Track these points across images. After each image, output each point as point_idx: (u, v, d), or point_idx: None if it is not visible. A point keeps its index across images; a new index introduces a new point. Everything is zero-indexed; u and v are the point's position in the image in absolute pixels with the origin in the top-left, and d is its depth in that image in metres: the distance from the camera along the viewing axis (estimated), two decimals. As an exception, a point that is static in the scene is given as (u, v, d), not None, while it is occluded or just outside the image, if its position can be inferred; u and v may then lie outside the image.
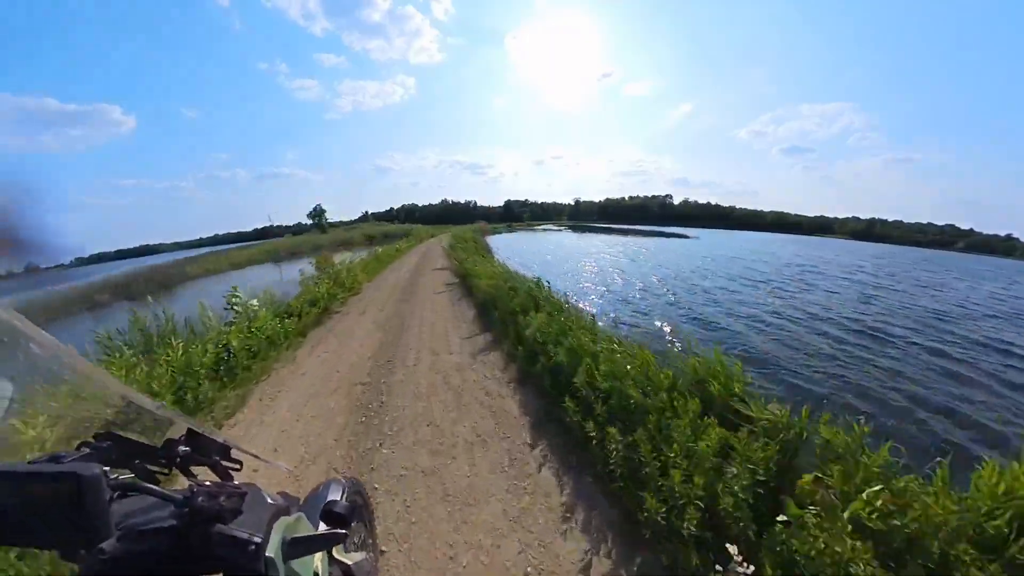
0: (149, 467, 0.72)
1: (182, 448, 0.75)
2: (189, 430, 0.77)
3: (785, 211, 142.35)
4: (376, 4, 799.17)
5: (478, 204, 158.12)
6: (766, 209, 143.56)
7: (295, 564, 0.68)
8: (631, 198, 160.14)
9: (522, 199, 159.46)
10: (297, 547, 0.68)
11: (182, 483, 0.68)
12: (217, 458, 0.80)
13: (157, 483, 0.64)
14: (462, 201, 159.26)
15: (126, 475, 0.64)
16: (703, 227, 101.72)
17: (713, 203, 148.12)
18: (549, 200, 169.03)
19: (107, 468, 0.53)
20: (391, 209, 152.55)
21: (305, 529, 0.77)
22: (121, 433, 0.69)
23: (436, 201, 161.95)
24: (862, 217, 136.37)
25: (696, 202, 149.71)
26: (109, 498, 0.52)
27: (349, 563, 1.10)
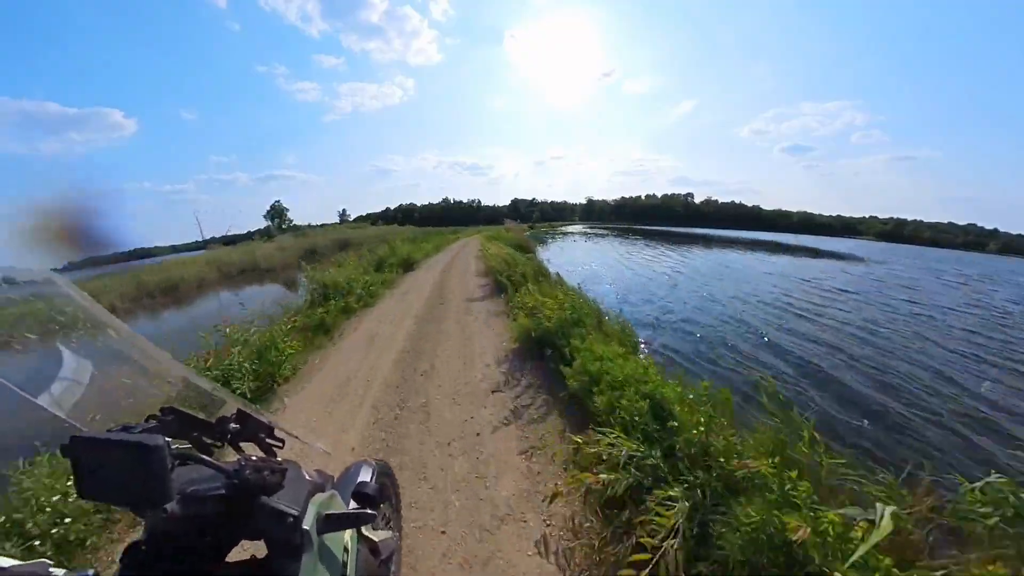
0: (205, 439, 0.84)
1: (232, 425, 0.88)
2: (239, 410, 0.90)
3: (810, 211, 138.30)
4: (374, 5, 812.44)
5: (482, 203, 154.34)
6: (775, 208, 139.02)
7: (327, 538, 0.84)
8: (648, 196, 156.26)
9: (528, 198, 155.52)
10: (330, 523, 0.83)
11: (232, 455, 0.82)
12: (263, 436, 0.91)
13: (211, 455, 0.77)
14: (465, 200, 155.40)
15: (185, 445, 0.79)
16: (729, 228, 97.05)
17: (738, 202, 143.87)
18: (556, 199, 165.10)
19: (169, 439, 0.62)
20: (387, 209, 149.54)
21: (338, 506, 0.93)
22: (182, 408, 0.82)
23: (437, 200, 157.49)
24: (880, 216, 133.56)
25: (717, 201, 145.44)
26: (171, 466, 0.61)
27: (376, 540, 1.25)
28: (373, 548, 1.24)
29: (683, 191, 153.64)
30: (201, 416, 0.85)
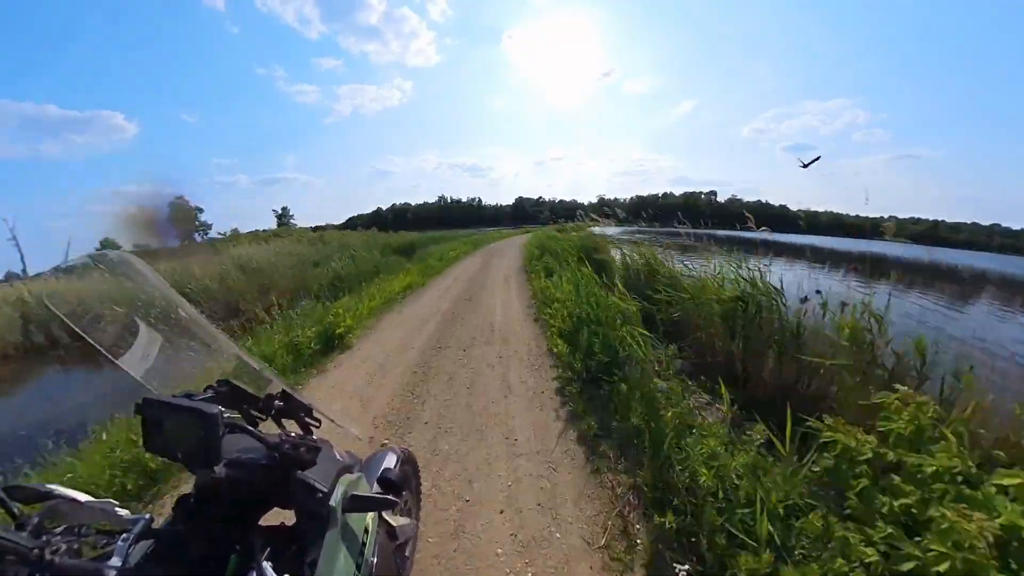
0: (252, 413, 1.02)
1: (277, 403, 1.04)
2: (283, 390, 1.07)
3: (835, 211, 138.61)
4: (372, 7, 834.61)
5: (484, 202, 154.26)
6: (803, 209, 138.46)
7: (351, 517, 0.99)
8: (665, 195, 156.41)
9: (534, 197, 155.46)
10: (355, 503, 0.98)
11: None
12: (302, 415, 1.08)
13: (256, 427, 0.95)
14: (464, 199, 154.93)
15: (235, 415, 0.97)
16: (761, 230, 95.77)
17: (764, 201, 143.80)
18: (559, 198, 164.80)
19: (222, 409, 0.78)
20: (379, 209, 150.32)
21: (363, 489, 1.09)
22: (235, 382, 1.00)
23: (433, 199, 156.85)
24: (898, 216, 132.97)
25: (742, 200, 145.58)
26: (222, 433, 0.76)
27: (395, 525, 1.37)
28: (391, 533, 1.38)
29: (682, 191, 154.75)
30: (251, 391, 1.04)
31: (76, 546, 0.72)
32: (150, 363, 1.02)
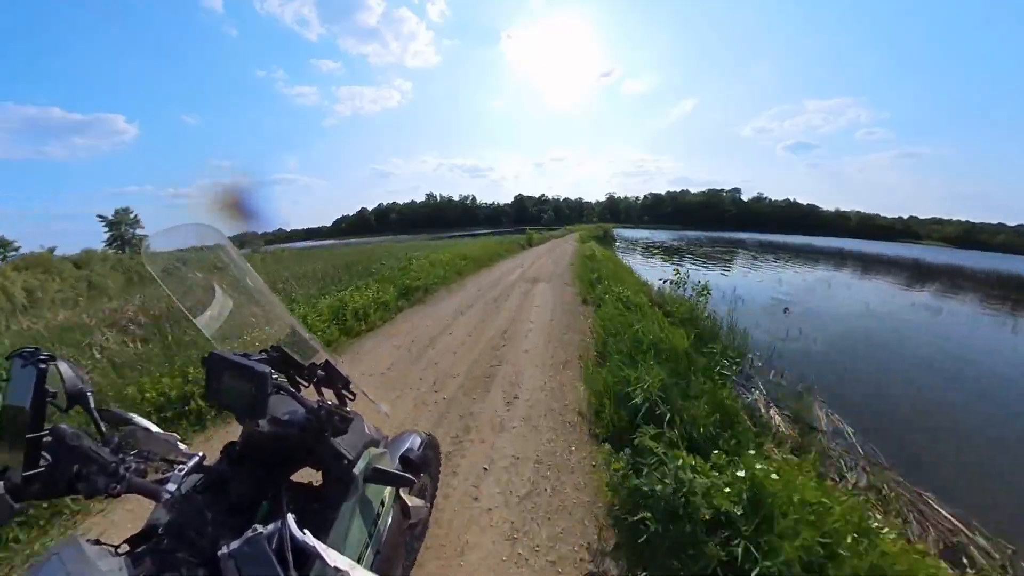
0: (296, 378, 1.20)
1: (319, 372, 1.22)
2: (327, 361, 1.24)
3: (865, 211, 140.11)
4: (371, 8, 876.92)
5: (479, 201, 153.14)
6: (834, 209, 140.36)
7: (370, 488, 1.20)
8: (683, 192, 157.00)
9: (536, 195, 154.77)
10: (376, 475, 1.16)
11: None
12: (340, 386, 1.24)
13: (299, 391, 1.13)
14: (456, 197, 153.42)
15: (282, 379, 1.11)
16: (793, 232, 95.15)
17: (792, 200, 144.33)
18: (567, 197, 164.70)
19: (272, 371, 0.93)
20: (363, 210, 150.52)
21: (386, 464, 1.26)
22: (285, 349, 1.17)
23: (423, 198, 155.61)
24: (920, 217, 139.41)
25: (769, 199, 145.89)
26: (269, 392, 0.91)
27: (410, 505, 1.52)
28: (405, 511, 1.53)
29: (687, 190, 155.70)
30: (298, 359, 1.21)
31: (143, 467, 0.91)
32: (220, 323, 1.21)
